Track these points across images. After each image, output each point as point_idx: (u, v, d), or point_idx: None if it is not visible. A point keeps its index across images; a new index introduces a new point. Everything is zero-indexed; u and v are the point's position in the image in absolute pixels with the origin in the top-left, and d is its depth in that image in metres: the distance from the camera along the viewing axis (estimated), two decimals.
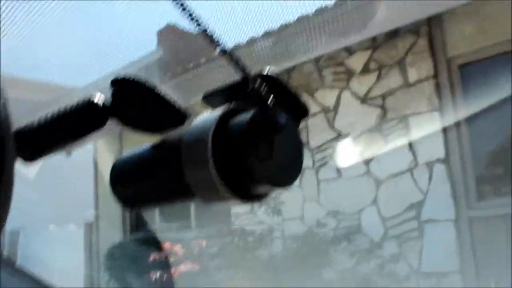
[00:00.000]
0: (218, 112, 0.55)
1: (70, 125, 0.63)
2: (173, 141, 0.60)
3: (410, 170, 4.87)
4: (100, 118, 0.62)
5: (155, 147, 0.63)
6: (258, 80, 0.54)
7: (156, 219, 7.81)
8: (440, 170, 4.69)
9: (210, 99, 0.61)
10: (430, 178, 4.75)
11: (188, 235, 6.41)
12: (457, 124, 4.65)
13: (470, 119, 4.62)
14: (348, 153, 5.38)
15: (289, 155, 0.57)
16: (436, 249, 4.64)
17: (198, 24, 0.54)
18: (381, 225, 5.01)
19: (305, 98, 5.62)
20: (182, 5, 0.54)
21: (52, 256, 8.56)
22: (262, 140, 0.53)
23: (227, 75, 0.64)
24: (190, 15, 0.54)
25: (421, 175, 4.80)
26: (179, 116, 0.62)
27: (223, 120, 0.55)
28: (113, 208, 8.48)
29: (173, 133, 0.61)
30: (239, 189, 0.54)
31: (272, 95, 0.54)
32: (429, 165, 4.75)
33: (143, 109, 0.62)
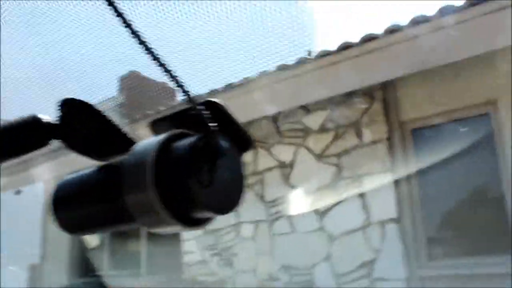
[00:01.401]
0: (161, 136, 0.55)
1: (12, 141, 0.61)
2: (115, 165, 0.59)
3: (363, 228, 4.91)
4: (43, 137, 0.60)
5: (96, 171, 0.62)
6: (202, 107, 0.54)
7: (105, 264, 7.57)
8: (392, 229, 4.75)
9: (157, 125, 0.60)
10: (382, 236, 4.80)
11: (138, 283, 6.23)
12: (409, 185, 4.76)
13: (422, 181, 4.74)
14: (301, 207, 5.41)
15: (231, 183, 0.56)
16: None
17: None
18: (334, 282, 5.00)
19: (262, 153, 5.67)
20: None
21: None
22: (203, 166, 0.52)
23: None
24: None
25: (373, 234, 4.84)
26: (125, 142, 0.61)
27: (166, 144, 0.54)
28: (60, 251, 8.20)
29: (117, 158, 0.60)
30: (179, 214, 0.52)
31: (216, 122, 0.54)
32: (382, 224, 4.81)
33: (89, 132, 0.62)
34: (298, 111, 5.43)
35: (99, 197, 0.60)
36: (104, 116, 0.61)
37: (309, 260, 5.18)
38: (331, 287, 4.99)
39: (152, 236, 7.07)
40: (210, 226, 5.93)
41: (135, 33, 0.52)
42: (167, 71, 0.53)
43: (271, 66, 4.55)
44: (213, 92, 5.14)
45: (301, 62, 4.74)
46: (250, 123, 5.54)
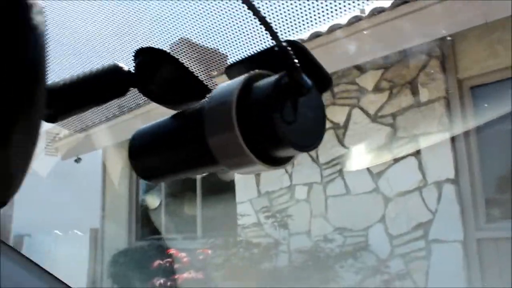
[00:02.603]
0: (242, 77, 0.55)
1: (94, 89, 0.62)
2: (195, 109, 0.60)
3: (419, 189, 4.84)
4: (123, 85, 0.61)
5: (175, 117, 0.62)
6: (287, 46, 0.53)
7: (162, 228, 7.82)
8: (449, 190, 4.67)
9: (233, 70, 0.60)
10: (439, 198, 4.72)
11: (193, 246, 6.40)
12: (468, 145, 4.65)
13: (481, 141, 4.62)
14: (355, 168, 5.37)
15: (313, 121, 0.56)
16: (443, 269, 4.62)
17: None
18: (388, 243, 4.99)
19: None
20: None
21: (56, 262, 8.58)
22: (287, 102, 0.52)
23: None
24: None
25: (430, 195, 4.77)
26: (201, 89, 0.61)
27: (247, 84, 0.54)
28: (119, 215, 8.52)
29: (195, 105, 0.61)
30: (262, 153, 0.53)
31: (298, 61, 0.53)
32: (439, 185, 4.73)
33: (166, 80, 0.62)
34: (352, 72, 5.37)
35: (179, 141, 0.61)
36: (180, 63, 0.61)
37: (363, 221, 5.18)
38: (386, 248, 4.98)
39: (207, 199, 7.23)
40: (264, 188, 5.98)
41: None
42: (260, 18, 0.52)
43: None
44: None
45: (354, 20, 4.66)
46: None
